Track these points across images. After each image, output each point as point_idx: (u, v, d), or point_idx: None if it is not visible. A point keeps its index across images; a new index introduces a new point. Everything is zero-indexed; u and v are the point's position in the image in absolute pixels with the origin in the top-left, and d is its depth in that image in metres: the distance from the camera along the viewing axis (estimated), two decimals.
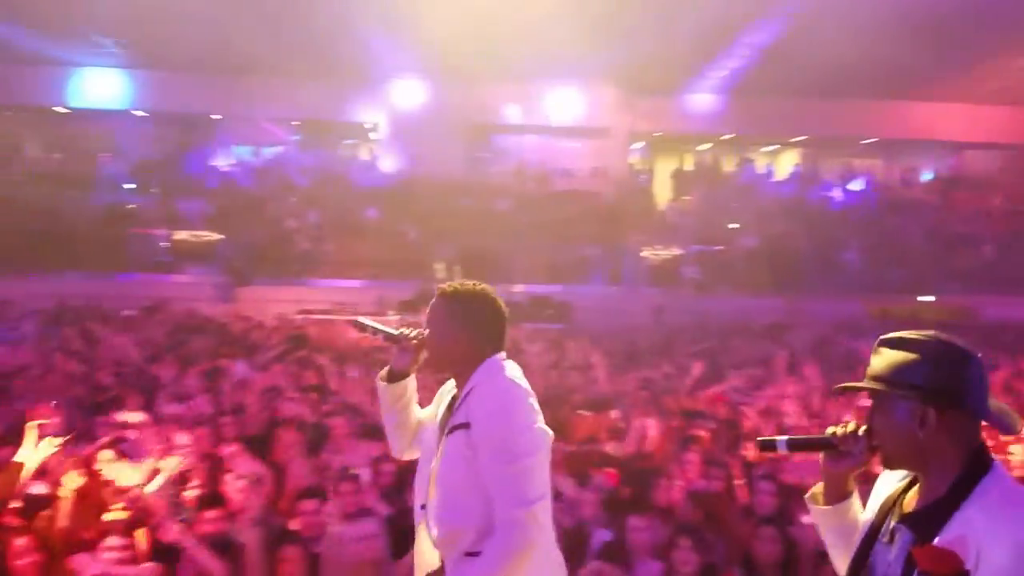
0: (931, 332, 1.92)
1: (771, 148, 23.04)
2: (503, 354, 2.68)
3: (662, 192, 21.37)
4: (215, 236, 16.31)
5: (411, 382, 2.81)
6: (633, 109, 19.45)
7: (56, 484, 4.55)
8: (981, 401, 1.86)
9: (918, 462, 1.90)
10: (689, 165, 22.63)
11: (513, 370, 2.64)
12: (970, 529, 1.76)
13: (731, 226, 18.20)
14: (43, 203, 16.39)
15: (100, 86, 18.99)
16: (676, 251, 17.50)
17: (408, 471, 3.25)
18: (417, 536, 2.69)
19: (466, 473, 2.52)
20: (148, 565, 4.07)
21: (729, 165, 22.19)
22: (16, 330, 10.31)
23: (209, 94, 18.77)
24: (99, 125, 20.06)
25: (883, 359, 1.94)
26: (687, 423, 6.45)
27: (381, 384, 2.80)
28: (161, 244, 16.44)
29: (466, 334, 2.64)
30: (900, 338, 1.93)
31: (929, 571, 1.77)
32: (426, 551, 2.64)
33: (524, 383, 2.60)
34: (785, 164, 22.42)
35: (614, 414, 7.01)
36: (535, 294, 14.70)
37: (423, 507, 2.65)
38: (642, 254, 17.37)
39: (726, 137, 21.69)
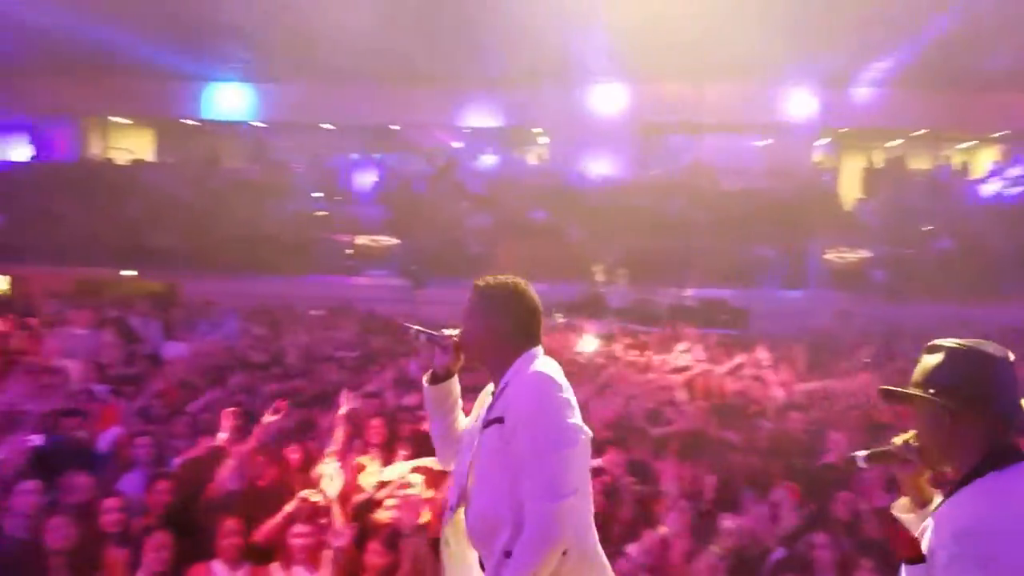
0: (971, 340, 2.00)
1: (967, 144, 21.21)
2: (539, 348, 2.62)
3: (848, 191, 20.16)
4: (392, 241, 17.02)
5: (454, 384, 2.76)
6: (816, 104, 18.49)
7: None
8: (1006, 401, 1.95)
9: (946, 459, 2.03)
10: (879, 162, 21.22)
11: (548, 364, 2.58)
12: (937, 518, 1.95)
13: (924, 228, 16.89)
14: (241, 211, 17.82)
15: (290, 101, 20.34)
16: (863, 253, 16.41)
17: None
18: (443, 539, 2.64)
19: (500, 468, 2.48)
20: None
21: (921, 162, 20.65)
22: (219, 327, 11.14)
23: (388, 105, 19.65)
24: (290, 137, 21.56)
25: (919, 364, 2.06)
26: (872, 436, 5.97)
27: (425, 387, 2.76)
28: (345, 248, 17.36)
29: (498, 328, 2.61)
30: (934, 344, 2.05)
31: (893, 551, 2.06)
32: (456, 553, 2.61)
33: (559, 377, 2.54)
34: (983, 161, 20.59)
35: (795, 425, 6.66)
36: (709, 298, 14.21)
37: (454, 507, 2.61)
38: (825, 256, 16.46)
39: (918, 133, 20.15)
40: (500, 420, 2.50)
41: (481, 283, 2.70)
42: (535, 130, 20.96)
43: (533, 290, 2.69)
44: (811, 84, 17.98)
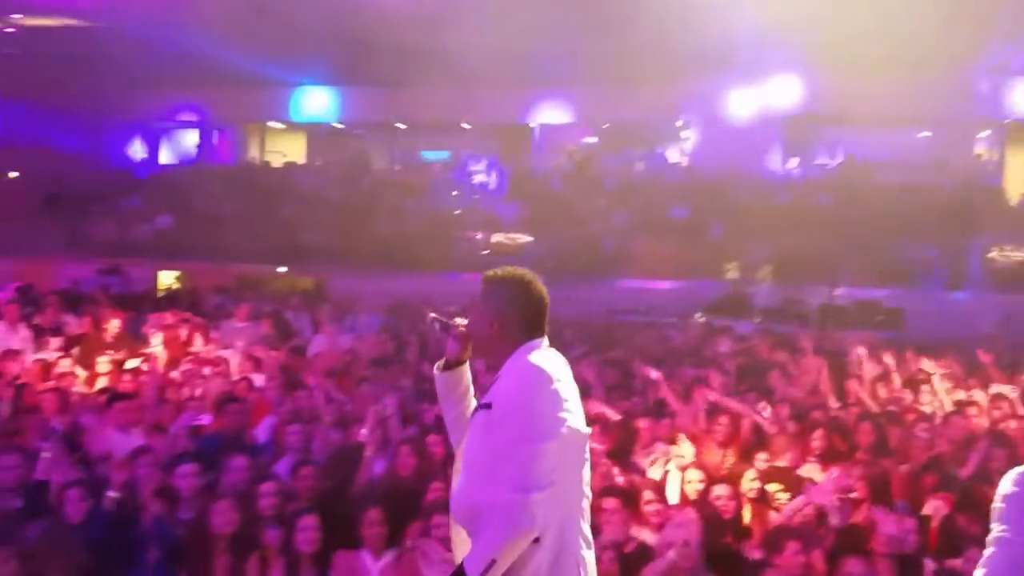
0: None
1: None
2: (542, 340, 2.62)
3: (1013, 185, 18.61)
4: (526, 238, 17.14)
5: (465, 372, 2.79)
6: (979, 95, 17.19)
7: None
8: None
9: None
10: None
11: (545, 356, 2.58)
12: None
13: None
14: (385, 210, 18.47)
15: (429, 103, 20.80)
16: None
17: None
18: (451, 518, 2.68)
19: (482, 453, 2.51)
20: None
21: None
22: (357, 324, 11.55)
23: (524, 104, 19.82)
24: (430, 138, 22.15)
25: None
26: None
27: (436, 373, 2.80)
28: (481, 246, 17.64)
29: (500, 319, 2.62)
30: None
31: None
32: (457, 539, 2.64)
33: (553, 369, 2.53)
34: None
35: (952, 435, 6.20)
36: (862, 299, 13.48)
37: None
38: (989, 255, 15.27)
39: None
40: (488, 406, 2.53)
41: (489, 274, 2.73)
42: (677, 124, 20.56)
43: (540, 283, 2.69)
44: (974, 75, 16.70)
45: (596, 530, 4.32)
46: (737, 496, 5.00)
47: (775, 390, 7.47)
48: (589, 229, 16.96)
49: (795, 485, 5.35)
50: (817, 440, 5.91)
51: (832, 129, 19.42)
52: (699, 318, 12.20)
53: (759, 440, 6.13)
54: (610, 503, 4.53)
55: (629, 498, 4.71)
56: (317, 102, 22.10)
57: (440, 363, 2.82)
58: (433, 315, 2.88)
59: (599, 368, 8.05)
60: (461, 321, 2.80)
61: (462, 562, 2.41)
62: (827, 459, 5.70)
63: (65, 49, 17.01)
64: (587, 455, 2.61)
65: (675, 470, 5.44)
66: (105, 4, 14.72)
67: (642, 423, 6.05)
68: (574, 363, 7.96)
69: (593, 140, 22.52)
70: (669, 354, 9.16)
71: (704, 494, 5.03)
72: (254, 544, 4.21)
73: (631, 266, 15.97)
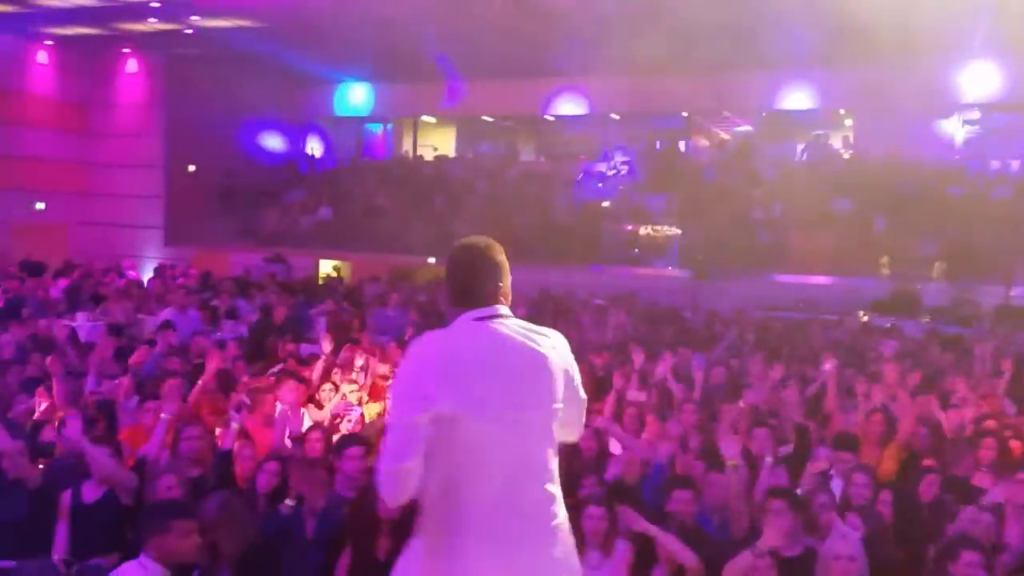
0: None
1: None
2: (478, 311, 2.48)
3: None
4: (674, 231, 16.80)
5: None
6: None
7: None
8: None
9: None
10: None
11: (446, 331, 2.49)
12: None
13: None
14: (533, 202, 18.61)
15: (577, 94, 20.72)
16: None
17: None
18: None
19: None
20: None
21: None
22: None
23: (676, 92, 19.34)
24: (580, 128, 22.07)
25: None
26: None
27: None
28: (628, 238, 17.45)
29: (446, 290, 2.58)
30: None
31: None
32: None
33: (437, 344, 2.44)
34: None
35: None
36: None
37: None
38: None
39: None
40: None
41: None
42: (840, 111, 19.53)
43: (482, 250, 2.56)
44: None
45: (759, 532, 4.20)
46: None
47: (951, 392, 7.03)
48: (743, 221, 16.38)
49: (968, 495, 5.03)
50: (988, 448, 5.53)
51: (1013, 117, 17.83)
52: (862, 316, 11.57)
53: (937, 443, 5.82)
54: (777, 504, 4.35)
55: (798, 504, 4.51)
56: (468, 95, 22.52)
57: None
58: None
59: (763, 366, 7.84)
60: None
61: None
62: (998, 469, 5.30)
63: (239, 49, 18.15)
64: (509, 437, 2.40)
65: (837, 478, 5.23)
66: (279, 4, 15.58)
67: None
68: (726, 358, 7.79)
69: (748, 128, 21.78)
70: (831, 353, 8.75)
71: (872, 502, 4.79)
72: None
73: (787, 260, 15.32)
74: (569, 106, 21.14)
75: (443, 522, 2.42)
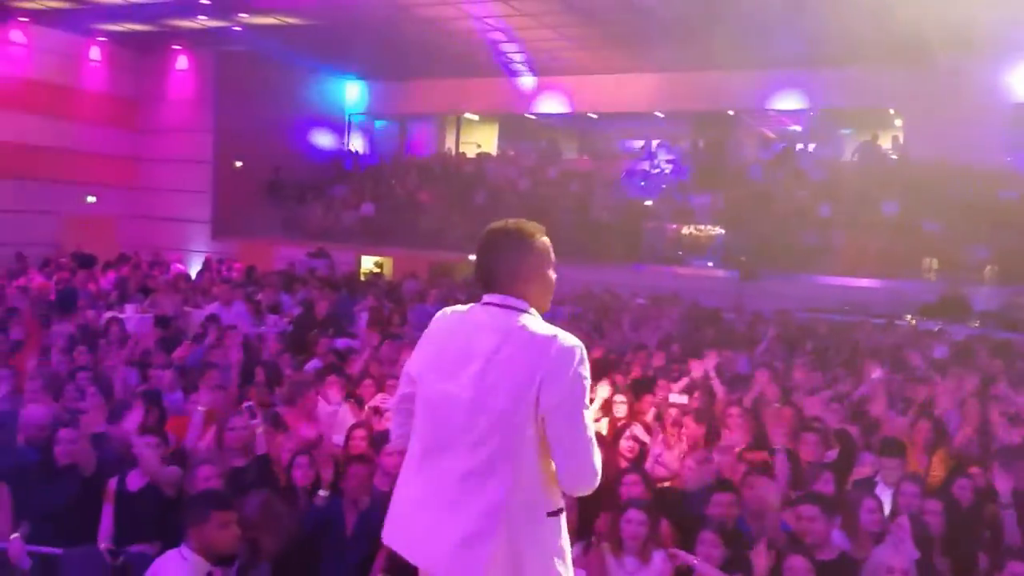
0: None
1: None
2: (484, 297, 2.62)
3: None
4: (718, 230, 16.61)
5: None
6: None
7: None
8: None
9: None
10: None
11: (452, 310, 2.69)
12: None
13: None
14: (574, 200, 18.53)
15: (621, 91, 20.57)
16: None
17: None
18: None
19: None
20: None
21: None
22: (552, 314, 11.72)
23: (721, 90, 19.12)
24: (621, 126, 21.94)
25: None
26: None
27: None
28: (671, 238, 17.29)
29: None
30: None
31: None
32: None
33: (432, 327, 2.66)
34: None
35: None
36: None
37: None
38: None
39: None
40: None
41: None
42: (891, 111, 19.13)
43: (496, 234, 2.63)
44: None
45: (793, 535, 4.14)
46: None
47: (1001, 398, 6.85)
48: (788, 222, 16.13)
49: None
50: None
51: None
52: (909, 320, 11.33)
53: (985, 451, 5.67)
54: (809, 511, 4.29)
55: (832, 507, 4.44)
56: (510, 93, 22.50)
57: None
58: None
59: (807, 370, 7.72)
60: None
61: None
62: None
63: (286, 46, 18.38)
64: (438, 404, 2.46)
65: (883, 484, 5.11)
66: (326, 2, 15.73)
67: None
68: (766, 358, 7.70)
69: (797, 128, 21.43)
70: (879, 355, 8.58)
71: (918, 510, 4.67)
72: None
73: (832, 262, 15.04)
74: (608, 103, 21.02)
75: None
